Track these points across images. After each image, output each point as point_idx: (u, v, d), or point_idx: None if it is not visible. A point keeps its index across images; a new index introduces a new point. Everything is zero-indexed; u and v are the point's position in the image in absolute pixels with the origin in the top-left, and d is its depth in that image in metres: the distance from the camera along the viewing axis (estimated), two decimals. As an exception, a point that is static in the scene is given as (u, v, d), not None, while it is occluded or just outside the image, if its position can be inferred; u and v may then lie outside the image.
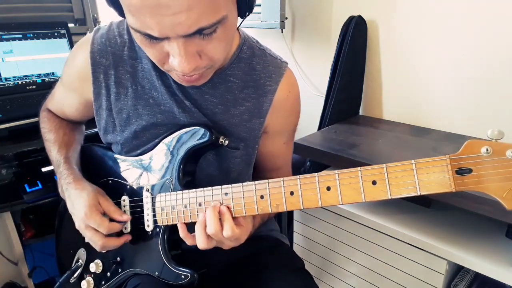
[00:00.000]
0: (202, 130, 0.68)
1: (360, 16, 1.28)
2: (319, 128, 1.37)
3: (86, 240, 0.71)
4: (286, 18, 1.44)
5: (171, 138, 0.71)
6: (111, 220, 0.70)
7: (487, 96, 1.13)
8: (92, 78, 0.72)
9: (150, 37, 0.52)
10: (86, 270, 0.77)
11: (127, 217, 0.71)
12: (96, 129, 0.81)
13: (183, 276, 0.66)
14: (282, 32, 1.56)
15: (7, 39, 1.30)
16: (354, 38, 1.27)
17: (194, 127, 0.69)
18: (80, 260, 0.79)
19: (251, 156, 0.78)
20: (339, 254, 1.20)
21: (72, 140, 0.83)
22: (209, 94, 0.72)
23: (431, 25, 1.19)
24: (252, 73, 0.73)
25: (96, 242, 0.69)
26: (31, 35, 1.35)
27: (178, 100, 0.71)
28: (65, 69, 0.78)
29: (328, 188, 0.54)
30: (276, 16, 1.40)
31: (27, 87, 1.36)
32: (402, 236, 1.01)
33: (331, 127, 1.29)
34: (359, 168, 0.52)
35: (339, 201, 0.53)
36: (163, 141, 0.72)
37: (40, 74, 1.40)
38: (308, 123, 1.49)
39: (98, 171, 0.79)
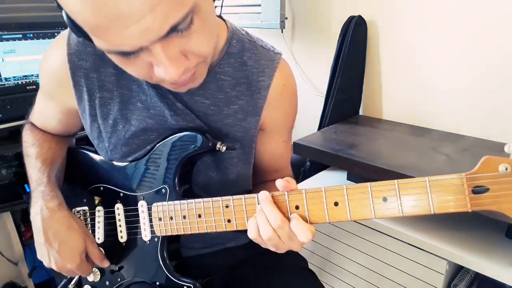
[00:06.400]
0: (197, 137, 0.64)
1: (360, 16, 1.28)
2: (319, 128, 1.37)
3: (56, 269, 0.67)
4: (286, 18, 1.44)
5: (165, 144, 0.67)
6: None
7: (487, 95, 1.13)
8: (72, 83, 0.65)
9: (124, 54, 0.47)
10: (83, 278, 0.74)
11: (107, 264, 0.69)
12: (84, 132, 0.75)
13: (185, 287, 0.65)
14: (282, 32, 1.56)
15: (7, 39, 1.29)
16: (354, 38, 1.27)
17: (189, 133, 0.65)
18: None
19: (249, 155, 0.74)
20: (339, 254, 1.20)
21: (57, 155, 0.74)
22: (200, 95, 0.66)
23: (431, 25, 1.19)
24: (244, 69, 0.68)
25: (69, 272, 0.67)
26: (31, 35, 1.35)
27: (169, 103, 0.66)
28: (41, 75, 0.71)
29: (336, 204, 0.51)
30: (276, 16, 1.40)
31: (27, 87, 1.36)
32: (402, 236, 1.01)
33: (331, 127, 1.29)
34: (368, 183, 0.50)
35: (347, 217, 0.51)
36: (156, 147, 0.67)
37: (40, 74, 1.40)
38: (308, 123, 1.49)
39: (88, 177, 0.75)
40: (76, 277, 0.75)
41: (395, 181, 0.48)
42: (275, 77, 0.69)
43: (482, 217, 0.84)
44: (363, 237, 1.11)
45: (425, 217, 1.05)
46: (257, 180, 0.81)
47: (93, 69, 0.65)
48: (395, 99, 1.35)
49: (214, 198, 0.60)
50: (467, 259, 0.90)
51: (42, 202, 0.65)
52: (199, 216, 0.61)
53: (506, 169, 0.42)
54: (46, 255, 0.65)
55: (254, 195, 0.56)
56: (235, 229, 0.58)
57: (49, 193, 0.66)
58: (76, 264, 0.64)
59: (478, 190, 0.44)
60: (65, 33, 0.65)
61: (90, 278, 0.73)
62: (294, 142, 1.14)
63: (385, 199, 0.48)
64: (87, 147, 0.78)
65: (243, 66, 0.68)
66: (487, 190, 0.43)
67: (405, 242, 1.01)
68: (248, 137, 0.71)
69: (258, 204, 0.55)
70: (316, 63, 1.55)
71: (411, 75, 1.28)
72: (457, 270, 1.04)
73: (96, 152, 0.75)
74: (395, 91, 1.34)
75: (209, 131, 0.67)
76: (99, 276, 0.73)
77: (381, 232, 1.05)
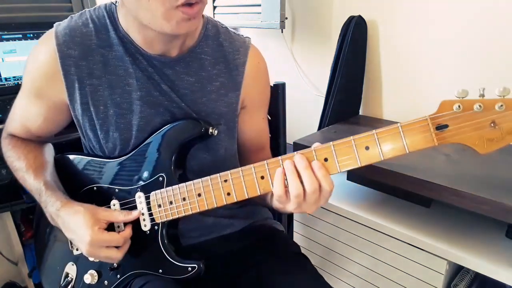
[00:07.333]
0: (192, 124, 0.68)
1: (360, 16, 1.28)
2: (319, 128, 1.37)
3: (103, 260, 0.69)
4: (286, 18, 1.43)
5: (158, 135, 0.70)
6: (109, 229, 0.68)
7: (488, 95, 1.13)
8: (62, 72, 0.68)
9: None
10: (79, 284, 0.74)
11: (137, 212, 0.69)
12: (71, 136, 0.78)
13: (189, 268, 0.67)
14: (282, 32, 1.56)
15: (7, 39, 1.29)
16: (354, 38, 1.27)
17: (183, 121, 0.69)
18: (70, 275, 0.75)
19: (233, 130, 0.81)
20: (339, 254, 1.20)
21: (44, 162, 0.77)
22: (185, 74, 0.73)
23: (431, 25, 1.19)
24: (221, 49, 0.76)
25: (114, 257, 0.67)
26: (31, 35, 1.35)
27: (154, 84, 0.71)
28: (27, 75, 0.73)
29: (326, 159, 0.58)
30: (276, 16, 1.40)
31: (27, 87, 1.36)
32: (402, 236, 1.01)
33: (331, 127, 1.29)
34: (351, 137, 0.57)
35: (337, 170, 0.58)
36: (149, 138, 0.70)
37: (40, 74, 1.39)
38: (308, 123, 1.49)
39: (78, 181, 0.76)
40: (70, 285, 0.75)
41: (374, 131, 0.56)
42: (249, 55, 0.78)
43: (482, 217, 0.84)
44: (363, 237, 1.11)
45: (425, 217, 1.05)
46: (245, 162, 0.86)
47: (82, 57, 0.69)
48: (395, 99, 1.34)
49: (212, 176, 0.64)
50: (467, 259, 0.90)
51: (47, 209, 0.70)
52: (199, 195, 0.65)
53: (459, 107, 0.53)
54: (84, 248, 0.66)
55: (251, 166, 0.61)
56: (235, 200, 0.63)
57: (49, 199, 0.70)
58: (105, 239, 0.65)
59: (440, 127, 0.53)
60: (50, 31, 0.70)
61: (87, 280, 0.72)
62: (294, 142, 1.14)
63: (367, 148, 0.56)
64: (74, 152, 0.79)
65: (220, 47, 0.76)
66: (447, 126, 0.53)
67: (405, 242, 1.01)
68: (231, 112, 0.78)
69: (281, 164, 0.60)
70: (316, 63, 1.54)
71: (411, 75, 1.28)
72: (457, 270, 1.04)
73: (84, 155, 0.77)
74: (395, 91, 1.34)
75: (201, 118, 0.72)
76: (96, 277, 0.73)
77: (381, 232, 1.05)
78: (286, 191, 0.59)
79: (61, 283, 0.76)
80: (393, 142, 0.55)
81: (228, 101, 0.77)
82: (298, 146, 1.14)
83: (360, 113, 1.44)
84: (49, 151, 0.82)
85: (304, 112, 1.59)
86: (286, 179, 0.59)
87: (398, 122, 0.56)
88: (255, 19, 1.49)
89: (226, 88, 0.77)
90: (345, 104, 1.35)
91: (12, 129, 0.80)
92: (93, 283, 0.73)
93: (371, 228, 1.08)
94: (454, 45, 1.16)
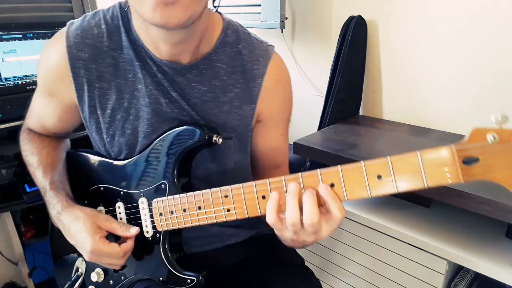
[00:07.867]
0: (194, 131, 0.65)
1: (360, 16, 1.28)
2: (319, 128, 1.37)
3: (104, 266, 0.69)
4: (286, 18, 1.44)
5: (162, 140, 0.68)
6: (114, 238, 0.67)
7: (487, 95, 1.13)
8: (72, 74, 0.67)
9: None
10: (87, 279, 0.75)
11: (135, 230, 0.67)
12: (83, 132, 0.77)
13: (189, 281, 0.66)
14: (282, 32, 1.57)
15: (7, 39, 1.29)
16: (354, 38, 1.27)
17: (186, 127, 0.66)
18: (80, 270, 0.76)
19: (245, 144, 0.75)
20: (339, 254, 1.20)
21: (56, 160, 0.76)
22: (197, 82, 0.69)
23: (431, 25, 1.19)
24: (239, 58, 0.70)
25: (116, 264, 0.66)
26: (31, 35, 1.35)
27: (164, 91, 0.68)
28: (40, 73, 0.72)
29: (332, 185, 0.52)
30: (276, 16, 1.40)
31: (27, 87, 1.36)
32: (402, 236, 1.01)
33: (331, 127, 1.29)
34: (362, 162, 0.49)
35: (344, 198, 0.51)
36: (154, 143, 0.68)
37: (40, 74, 1.39)
38: (308, 123, 1.49)
39: (88, 178, 0.76)
40: (80, 279, 0.75)
41: (388, 158, 0.48)
42: (269, 66, 0.72)
43: (482, 217, 0.84)
44: (363, 237, 1.11)
45: (425, 217, 1.05)
46: (259, 179, 0.81)
47: (92, 60, 0.67)
48: (395, 99, 1.35)
49: (213, 189, 0.60)
50: (467, 259, 0.90)
51: (50, 211, 0.70)
52: (199, 208, 0.62)
53: (494, 138, 0.42)
54: (85, 255, 0.66)
55: (252, 183, 0.56)
56: (235, 218, 0.59)
57: (52, 200, 0.69)
58: (105, 251, 0.63)
59: (468, 161, 0.44)
60: (62, 30, 0.68)
61: (94, 278, 0.73)
62: (294, 142, 1.14)
63: (379, 177, 0.48)
64: (85, 150, 0.79)
65: (238, 55, 0.70)
66: (477, 160, 0.44)
67: (405, 242, 1.01)
68: (244, 125, 0.73)
69: (284, 185, 0.54)
70: (316, 63, 1.55)
71: (411, 75, 1.28)
72: (457, 270, 1.04)
73: (94, 154, 0.77)
74: (395, 91, 1.34)
75: (205, 125, 0.68)
76: (102, 276, 0.73)
77: (381, 232, 1.05)
78: (281, 218, 0.54)
79: (72, 276, 0.76)
80: (410, 174, 0.46)
81: (242, 114, 0.72)
82: (298, 146, 1.14)
83: (360, 113, 1.44)
84: (64, 148, 0.81)
85: (304, 112, 1.59)
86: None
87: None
88: (255, 19, 1.49)
89: (240, 100, 0.71)
90: (345, 104, 1.35)
91: (30, 123, 0.80)
92: (100, 281, 0.74)
93: (371, 228, 1.08)
94: (454, 45, 1.16)
